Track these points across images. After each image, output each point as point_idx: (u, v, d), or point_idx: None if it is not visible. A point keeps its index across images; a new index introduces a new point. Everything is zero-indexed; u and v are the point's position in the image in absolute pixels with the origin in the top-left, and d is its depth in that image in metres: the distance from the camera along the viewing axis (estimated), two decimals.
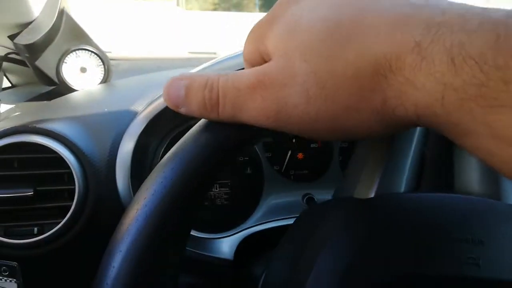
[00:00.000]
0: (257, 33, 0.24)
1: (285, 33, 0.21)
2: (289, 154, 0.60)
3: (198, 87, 0.23)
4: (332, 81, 0.19)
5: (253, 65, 0.25)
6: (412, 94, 0.17)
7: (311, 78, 0.19)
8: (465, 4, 0.17)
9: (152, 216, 0.23)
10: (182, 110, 0.24)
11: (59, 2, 0.66)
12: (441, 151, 0.32)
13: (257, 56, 0.24)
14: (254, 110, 0.21)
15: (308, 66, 0.20)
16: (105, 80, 0.71)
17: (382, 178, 0.29)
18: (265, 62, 0.24)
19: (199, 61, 1.10)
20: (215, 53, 1.20)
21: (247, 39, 0.25)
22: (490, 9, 0.16)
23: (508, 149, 0.15)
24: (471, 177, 0.30)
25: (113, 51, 0.98)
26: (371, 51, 0.18)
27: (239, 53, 0.49)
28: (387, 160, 0.29)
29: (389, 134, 0.23)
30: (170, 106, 0.24)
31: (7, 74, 0.85)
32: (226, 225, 0.54)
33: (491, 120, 0.15)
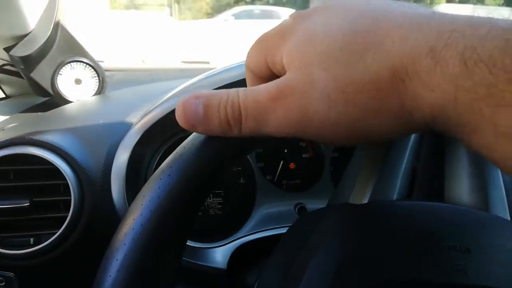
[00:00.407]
0: (266, 45, 0.25)
1: (301, 45, 0.22)
2: (281, 164, 0.61)
3: (218, 104, 0.23)
4: (351, 86, 0.20)
5: (258, 75, 0.26)
6: (428, 96, 0.19)
7: (331, 84, 0.20)
8: (470, 15, 0.19)
9: (148, 224, 0.23)
10: (199, 130, 0.23)
11: (55, 15, 0.67)
12: (433, 161, 0.33)
13: (264, 67, 0.25)
14: (276, 121, 0.22)
15: (328, 73, 0.20)
16: (99, 91, 0.71)
17: (376, 185, 0.30)
18: (273, 73, 0.25)
19: (193, 72, 1.12)
20: (208, 63, 1.22)
21: (253, 50, 0.26)
22: (496, 18, 0.18)
23: (510, 146, 0.17)
24: (461, 188, 0.31)
25: (106, 60, 0.99)
26: (388, 57, 0.19)
27: (236, 65, 0.50)
28: (381, 168, 0.31)
29: (405, 136, 0.23)
30: (185, 126, 0.23)
31: (1, 85, 0.85)
32: (219, 235, 0.54)
33: (497, 119, 0.17)
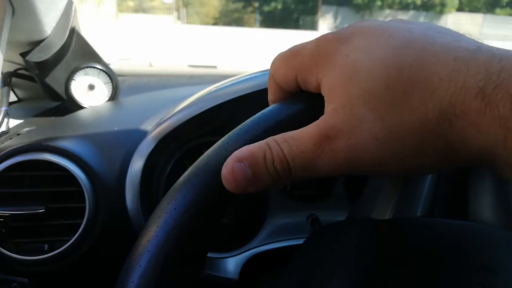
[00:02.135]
0: (298, 64, 0.24)
1: (343, 80, 0.21)
2: None
3: (265, 163, 0.22)
4: (399, 127, 0.20)
5: (283, 88, 0.26)
6: (476, 137, 0.18)
7: (378, 124, 0.20)
8: None
9: (172, 233, 0.23)
10: (251, 189, 0.23)
11: (71, 21, 0.67)
12: (455, 179, 0.33)
13: (293, 83, 0.25)
14: (326, 165, 0.22)
15: (374, 113, 0.20)
16: (112, 97, 0.72)
17: (399, 202, 0.30)
18: (299, 87, 0.25)
19: (202, 78, 1.12)
20: (215, 67, 1.22)
21: (281, 63, 0.26)
22: None
23: None
24: (485, 206, 0.31)
25: (113, 63, 0.99)
26: (436, 97, 0.19)
27: (250, 76, 0.50)
28: (405, 184, 0.30)
29: (450, 169, 0.24)
30: (236, 191, 0.23)
31: (14, 89, 0.86)
32: (231, 245, 0.54)
33: None
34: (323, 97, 0.23)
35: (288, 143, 0.22)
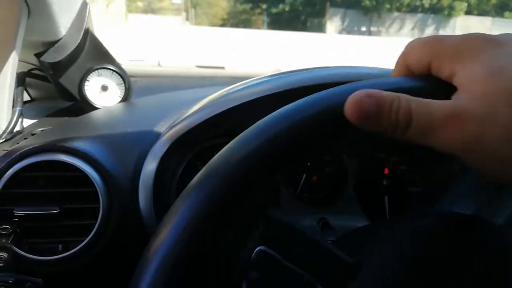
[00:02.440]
0: (439, 51, 0.25)
1: (487, 74, 0.22)
2: (304, 177, 0.61)
3: (390, 106, 0.24)
4: None
5: (410, 70, 0.27)
6: None
7: None
8: None
9: (186, 234, 0.23)
10: (367, 126, 0.24)
11: (85, 22, 0.68)
12: None
13: (425, 67, 0.26)
14: (444, 139, 0.23)
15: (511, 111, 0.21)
16: (125, 98, 0.72)
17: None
18: (429, 73, 0.26)
19: (212, 80, 1.12)
20: (223, 67, 1.22)
21: (419, 47, 0.27)
22: None
23: None
24: None
25: (122, 63, 1.00)
26: None
27: (262, 80, 0.50)
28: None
29: None
30: (355, 120, 0.24)
31: (27, 88, 0.87)
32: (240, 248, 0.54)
33: None
34: (452, 86, 0.24)
35: (420, 103, 0.23)
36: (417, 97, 0.24)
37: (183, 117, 0.51)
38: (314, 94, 0.26)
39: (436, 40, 0.26)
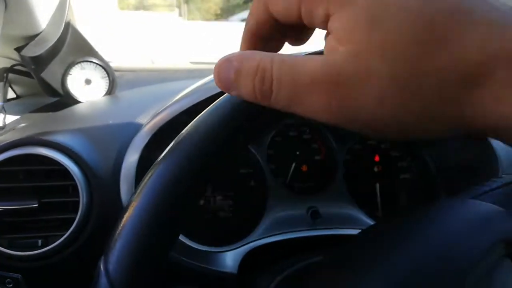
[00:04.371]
0: None
1: (363, 22, 0.19)
2: (293, 166, 0.60)
3: (248, 72, 0.21)
4: (412, 87, 0.18)
5: (277, 20, 0.23)
6: (496, 108, 0.17)
7: (391, 83, 0.18)
8: None
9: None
10: (233, 93, 0.22)
11: (66, 15, 0.67)
12: None
13: (294, 15, 0.21)
14: (316, 105, 0.20)
15: (388, 69, 0.18)
16: (109, 92, 0.71)
17: None
18: (300, 21, 0.21)
19: (202, 72, 1.11)
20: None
21: None
22: None
23: None
24: None
25: (114, 61, 0.98)
26: (463, 61, 0.17)
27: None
28: None
29: (451, 139, 0.22)
30: (220, 88, 0.23)
31: (12, 85, 0.85)
32: (229, 238, 0.53)
33: None
34: (327, 33, 0.21)
35: (285, 65, 0.20)
36: (286, 55, 0.21)
37: (165, 107, 0.50)
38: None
39: None
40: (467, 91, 0.17)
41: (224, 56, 0.22)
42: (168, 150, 0.24)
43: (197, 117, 0.25)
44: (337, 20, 0.19)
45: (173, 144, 0.24)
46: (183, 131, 0.25)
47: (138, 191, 0.24)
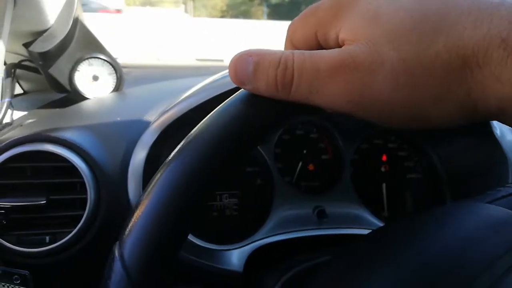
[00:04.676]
0: (318, 19, 0.23)
1: (366, 20, 0.21)
2: (300, 165, 0.60)
3: (269, 64, 0.22)
4: (421, 70, 0.19)
5: (301, 49, 0.25)
6: (496, 88, 0.18)
7: (400, 66, 0.20)
8: None
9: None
10: (248, 87, 0.23)
11: (74, 11, 0.67)
12: None
13: (313, 41, 0.24)
14: (334, 93, 0.21)
15: (397, 54, 0.20)
16: (117, 88, 0.71)
17: None
18: (321, 48, 0.24)
19: (208, 69, 1.11)
20: (222, 60, 1.21)
21: (299, 23, 0.25)
22: None
23: None
24: None
25: (121, 57, 0.99)
26: (459, 45, 0.19)
27: None
28: None
29: (465, 124, 0.23)
30: (235, 81, 0.23)
31: (19, 81, 0.86)
32: (235, 237, 0.53)
33: None
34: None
35: (304, 56, 0.21)
36: (305, 51, 0.22)
37: (173, 105, 0.50)
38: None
39: (312, 8, 0.24)
40: (470, 72, 0.19)
41: (241, 52, 0.23)
42: (188, 142, 0.24)
43: (211, 114, 0.25)
44: (343, 32, 0.22)
45: (196, 132, 0.24)
46: (204, 121, 0.25)
47: (157, 178, 0.24)
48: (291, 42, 0.26)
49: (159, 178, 0.24)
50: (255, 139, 0.24)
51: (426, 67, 0.19)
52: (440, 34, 0.19)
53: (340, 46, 0.22)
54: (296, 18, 0.25)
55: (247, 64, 0.22)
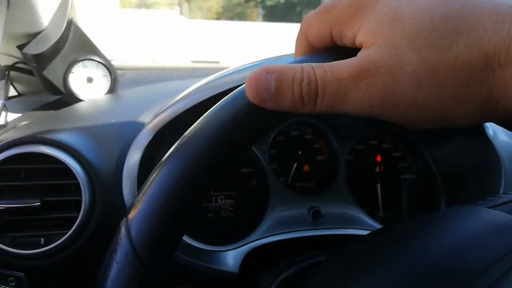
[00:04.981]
0: (334, 17, 0.24)
1: (386, 22, 0.21)
2: (295, 166, 0.60)
3: (292, 80, 0.22)
4: (442, 71, 0.20)
5: (314, 46, 0.26)
6: None
7: (422, 67, 0.20)
8: None
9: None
10: (270, 105, 0.23)
11: (68, 13, 0.67)
12: None
13: (327, 38, 0.24)
14: (357, 100, 0.21)
15: (419, 56, 0.20)
16: (111, 90, 0.71)
17: None
18: (334, 43, 0.24)
19: (203, 71, 1.11)
20: (218, 62, 1.21)
21: (314, 19, 0.25)
22: None
23: None
24: None
25: (116, 59, 0.98)
26: (481, 45, 0.19)
27: (249, 65, 0.49)
28: None
29: (486, 123, 0.24)
30: (255, 100, 0.23)
31: (14, 83, 0.85)
32: (231, 238, 0.53)
33: None
34: (358, 49, 0.23)
35: (324, 68, 0.22)
36: (322, 63, 0.22)
37: (167, 106, 0.50)
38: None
39: (330, 6, 0.24)
40: (491, 72, 0.19)
41: (257, 70, 0.23)
42: (199, 125, 0.25)
43: (208, 115, 0.25)
44: (361, 33, 0.22)
45: (207, 117, 0.25)
46: (206, 115, 0.25)
47: (168, 157, 0.25)
48: (305, 37, 0.26)
49: (170, 157, 0.24)
50: (254, 137, 0.25)
51: (447, 68, 0.20)
52: (461, 35, 0.19)
53: (355, 46, 0.23)
54: (312, 13, 0.25)
55: (268, 82, 0.22)
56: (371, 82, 0.21)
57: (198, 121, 0.25)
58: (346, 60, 0.22)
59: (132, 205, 0.25)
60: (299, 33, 0.26)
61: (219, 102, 0.25)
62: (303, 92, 0.22)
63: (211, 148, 0.23)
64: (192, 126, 0.25)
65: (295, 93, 0.22)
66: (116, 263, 0.24)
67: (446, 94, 0.20)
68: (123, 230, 0.24)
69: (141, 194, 0.24)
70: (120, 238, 0.24)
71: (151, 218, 0.23)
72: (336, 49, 0.25)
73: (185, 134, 0.25)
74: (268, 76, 0.22)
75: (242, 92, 0.24)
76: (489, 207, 0.27)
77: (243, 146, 0.25)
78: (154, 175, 0.24)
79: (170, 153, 0.25)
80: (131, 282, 0.23)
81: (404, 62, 0.20)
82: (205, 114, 0.25)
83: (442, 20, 0.20)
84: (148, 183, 0.24)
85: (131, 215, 0.24)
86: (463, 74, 0.20)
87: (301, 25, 0.26)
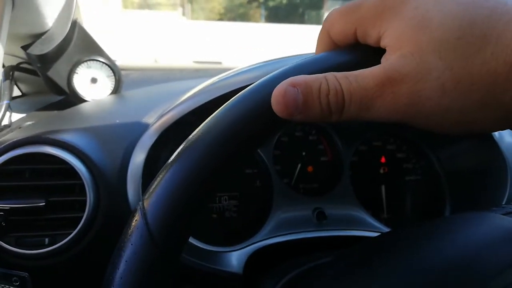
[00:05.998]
0: (359, 16, 0.24)
1: (412, 29, 0.21)
2: (298, 167, 0.60)
3: (319, 92, 0.22)
4: (467, 77, 0.20)
5: (337, 43, 0.26)
6: None
7: (447, 74, 0.20)
8: None
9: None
10: (298, 118, 0.23)
11: (72, 13, 0.67)
12: None
13: (350, 37, 0.25)
14: (383, 107, 0.22)
15: (444, 62, 0.20)
16: (115, 91, 0.71)
17: None
18: (357, 42, 0.25)
19: (206, 72, 1.11)
20: (220, 63, 1.21)
21: (338, 17, 0.25)
22: None
23: None
24: None
25: (119, 59, 0.99)
26: (507, 52, 0.19)
27: (252, 67, 0.49)
28: None
29: (506, 129, 0.24)
30: (283, 115, 0.23)
31: (18, 83, 0.86)
32: (235, 238, 0.53)
33: None
34: (382, 50, 0.23)
35: (348, 79, 0.22)
36: (345, 72, 0.23)
37: (172, 107, 0.50)
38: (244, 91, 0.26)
39: (355, 5, 0.24)
40: None
41: (282, 84, 0.23)
42: (214, 118, 0.25)
43: (213, 118, 0.26)
44: (387, 36, 0.22)
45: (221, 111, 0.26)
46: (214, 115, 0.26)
47: (185, 145, 0.25)
48: (327, 34, 0.26)
49: (188, 144, 0.25)
50: (259, 141, 0.25)
51: (472, 74, 0.20)
52: (488, 42, 0.20)
53: (379, 46, 0.23)
54: (335, 11, 0.26)
55: (295, 96, 0.22)
56: (396, 89, 0.21)
57: (219, 110, 0.26)
58: (370, 68, 0.22)
59: (148, 189, 0.26)
60: (321, 30, 0.27)
61: (242, 91, 0.26)
62: (330, 103, 0.22)
63: (229, 136, 0.24)
64: (213, 115, 0.26)
65: (323, 105, 0.22)
66: (132, 244, 0.24)
67: (470, 100, 0.20)
68: (139, 213, 0.25)
69: (158, 179, 0.25)
70: (136, 220, 0.25)
71: (167, 202, 0.24)
72: (360, 47, 0.25)
73: (205, 121, 0.26)
74: (295, 90, 0.22)
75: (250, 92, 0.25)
76: (503, 214, 0.26)
77: (263, 133, 0.25)
78: (171, 160, 0.25)
79: (188, 141, 0.25)
80: (145, 263, 0.24)
81: (429, 68, 0.20)
82: (227, 102, 0.26)
83: (470, 27, 0.20)
84: (167, 167, 0.25)
85: (147, 198, 0.25)
86: (488, 80, 0.20)
87: (324, 22, 0.26)
